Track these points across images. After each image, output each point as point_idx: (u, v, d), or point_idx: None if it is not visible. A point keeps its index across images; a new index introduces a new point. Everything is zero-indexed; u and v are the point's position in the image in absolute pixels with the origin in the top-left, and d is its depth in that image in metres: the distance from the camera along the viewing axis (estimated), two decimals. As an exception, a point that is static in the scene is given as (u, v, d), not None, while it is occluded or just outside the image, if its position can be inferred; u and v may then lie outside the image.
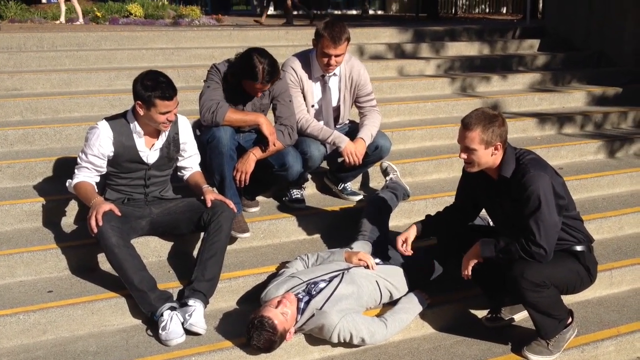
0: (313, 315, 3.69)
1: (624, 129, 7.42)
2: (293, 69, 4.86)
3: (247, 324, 3.59)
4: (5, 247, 4.23)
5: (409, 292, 4.11)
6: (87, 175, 4.11)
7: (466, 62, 8.66)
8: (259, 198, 5.07)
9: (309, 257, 4.22)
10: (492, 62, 8.83)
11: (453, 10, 22.50)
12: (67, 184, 4.20)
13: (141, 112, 4.00)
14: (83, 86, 6.68)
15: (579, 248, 3.75)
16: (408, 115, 7.01)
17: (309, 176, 5.28)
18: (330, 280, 3.87)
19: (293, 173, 4.61)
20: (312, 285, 3.83)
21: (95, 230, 3.81)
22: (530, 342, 3.82)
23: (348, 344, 3.77)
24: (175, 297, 3.97)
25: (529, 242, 3.51)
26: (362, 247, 4.28)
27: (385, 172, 5.35)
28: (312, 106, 4.97)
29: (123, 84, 6.71)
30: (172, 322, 3.69)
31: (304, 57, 4.94)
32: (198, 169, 4.46)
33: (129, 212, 4.12)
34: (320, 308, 3.69)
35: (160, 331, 3.69)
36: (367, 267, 4.05)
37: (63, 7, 13.59)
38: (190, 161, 4.42)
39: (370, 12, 24.50)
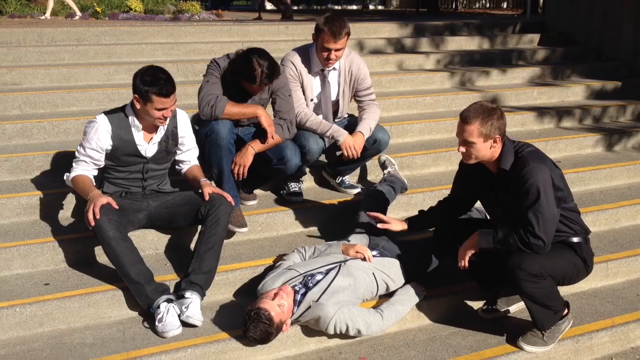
0: (309, 307, 3.70)
1: (623, 123, 7.43)
2: (292, 64, 4.87)
3: (244, 315, 3.60)
4: (3, 240, 4.24)
5: (405, 284, 4.12)
6: (85, 169, 4.12)
7: (466, 56, 8.65)
8: (257, 191, 5.08)
9: (306, 249, 4.24)
10: (492, 57, 8.83)
11: (453, 5, 22.45)
12: (64, 178, 4.21)
13: (138, 106, 4.01)
14: (82, 81, 6.69)
15: (575, 240, 3.76)
16: (407, 109, 7.01)
17: (307, 169, 5.29)
18: (327, 272, 3.88)
19: (291, 166, 4.62)
20: (309, 278, 3.85)
21: (93, 223, 3.82)
22: (526, 333, 3.84)
23: (344, 336, 3.78)
24: (172, 290, 3.99)
25: (527, 233, 3.52)
26: (359, 240, 4.29)
27: (383, 166, 5.36)
28: (311, 100, 4.98)
29: (122, 78, 6.71)
30: (168, 314, 3.70)
31: (304, 52, 4.95)
32: (196, 162, 4.48)
33: (127, 205, 4.14)
34: (317, 300, 3.71)
35: (156, 323, 3.70)
36: (364, 259, 4.06)
37: (50, 3, 13.55)
38: (188, 155, 4.43)
39: (371, 7, 24.45)
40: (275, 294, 3.67)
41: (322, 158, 5.25)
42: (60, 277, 4.09)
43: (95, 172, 4.17)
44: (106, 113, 4.16)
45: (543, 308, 3.69)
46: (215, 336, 3.68)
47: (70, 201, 4.63)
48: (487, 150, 3.64)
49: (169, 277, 4.09)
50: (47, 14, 13.40)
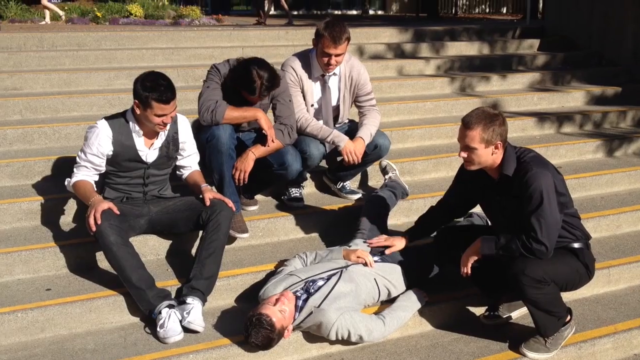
0: (311, 313, 3.70)
1: (623, 128, 7.43)
2: (293, 69, 4.87)
3: (245, 321, 3.59)
4: (4, 245, 4.24)
5: (407, 289, 4.11)
6: (86, 174, 4.12)
7: (466, 61, 8.66)
8: (258, 197, 5.07)
9: (307, 255, 4.23)
10: (492, 62, 8.83)
11: (453, 10, 22.50)
12: (65, 183, 4.21)
13: (138, 111, 4.02)
14: (83, 86, 6.68)
15: (576, 245, 3.76)
16: (407, 114, 7.01)
17: (308, 175, 5.29)
18: (329, 278, 3.88)
19: (292, 172, 4.61)
20: (311, 284, 3.84)
21: (94, 229, 3.81)
22: (528, 339, 3.83)
23: (346, 342, 3.77)
24: (173, 295, 3.98)
25: (530, 239, 3.52)
26: (360, 246, 4.29)
27: (384, 171, 5.36)
28: (312, 105, 4.98)
29: (122, 83, 6.72)
30: (170, 320, 3.69)
31: (304, 57, 4.95)
32: (197, 168, 4.47)
33: (128, 210, 4.13)
34: (319, 306, 3.70)
35: (158, 329, 3.70)
36: (365, 264, 4.05)
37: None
38: (189, 160, 4.43)
39: (371, 12, 24.50)
40: (277, 300, 3.66)
41: (323, 163, 5.25)
42: (62, 283, 4.09)
43: (97, 178, 4.17)
44: (107, 118, 4.16)
45: (546, 314, 3.68)
46: (217, 342, 3.68)
47: (71, 206, 4.62)
48: (488, 156, 3.64)
49: (170, 283, 4.09)
50: (47, 19, 13.41)
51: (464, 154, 3.67)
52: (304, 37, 8.64)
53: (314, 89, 4.96)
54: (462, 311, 4.23)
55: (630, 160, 6.61)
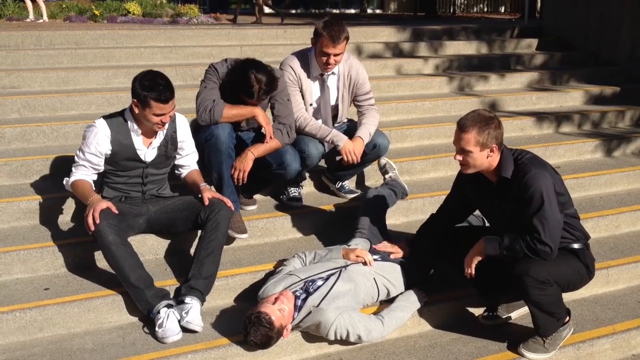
0: (310, 312, 3.69)
1: (622, 128, 7.44)
2: (292, 68, 4.86)
3: (244, 319, 3.59)
4: (2, 244, 4.23)
5: (406, 289, 4.11)
6: (84, 174, 4.11)
7: (464, 61, 8.67)
8: (257, 196, 5.07)
9: (306, 255, 4.23)
10: (490, 61, 8.84)
11: (451, 10, 22.48)
12: (64, 182, 4.21)
13: (136, 110, 4.01)
14: (81, 84, 6.68)
15: (577, 246, 3.76)
16: (406, 114, 7.01)
17: (307, 174, 5.29)
18: (328, 277, 3.87)
19: (291, 171, 4.61)
20: (310, 283, 3.84)
21: (93, 228, 3.81)
22: (527, 340, 3.83)
23: (345, 342, 3.77)
24: (172, 295, 3.98)
25: (534, 240, 3.52)
26: (359, 245, 4.29)
27: (383, 170, 5.35)
28: (311, 105, 4.97)
29: (121, 82, 6.71)
30: (168, 320, 3.68)
31: (303, 56, 4.94)
32: (196, 167, 4.47)
33: (126, 210, 4.13)
34: (317, 305, 3.70)
35: (156, 329, 3.69)
36: (364, 263, 4.05)
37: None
38: (188, 159, 4.43)
39: (369, 11, 24.49)
40: (276, 299, 3.66)
41: (322, 163, 5.25)
42: (60, 282, 4.08)
43: (95, 177, 4.16)
44: (105, 117, 4.15)
45: (547, 315, 3.68)
46: (216, 342, 3.67)
47: (69, 206, 4.61)
48: (483, 159, 3.63)
49: (168, 283, 4.08)
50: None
51: (460, 157, 3.67)
52: (302, 36, 8.64)
53: (312, 88, 4.95)
54: (461, 311, 4.23)
55: (629, 160, 6.62)
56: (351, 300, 3.80)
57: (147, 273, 3.87)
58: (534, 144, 6.44)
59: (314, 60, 4.86)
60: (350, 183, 5.40)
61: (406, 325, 4.00)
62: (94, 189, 4.10)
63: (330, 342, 3.80)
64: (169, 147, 4.26)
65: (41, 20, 13.21)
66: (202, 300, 3.90)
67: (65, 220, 4.61)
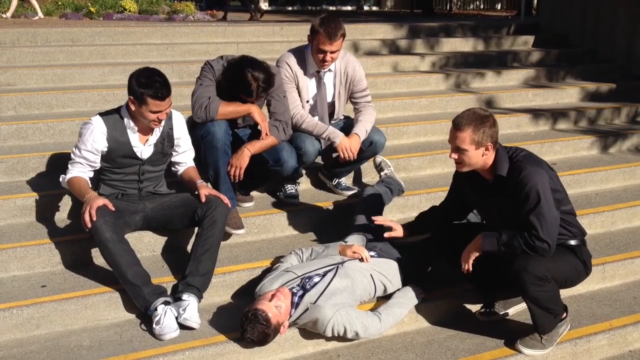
0: (307, 309, 3.70)
1: (617, 125, 7.45)
2: (288, 65, 4.86)
3: (241, 317, 3.59)
4: (-1, 242, 4.23)
5: (403, 286, 4.12)
6: (80, 171, 4.10)
7: (461, 58, 8.66)
8: (254, 193, 5.07)
9: (303, 251, 4.23)
10: (487, 58, 8.84)
11: (448, 7, 22.49)
12: (60, 179, 4.20)
13: (133, 107, 4.00)
14: (77, 81, 6.67)
15: (573, 242, 3.77)
16: (403, 111, 7.02)
17: (304, 171, 5.29)
18: (325, 274, 3.88)
19: (288, 168, 4.61)
20: (307, 280, 3.84)
21: (89, 225, 3.80)
22: (524, 336, 3.84)
23: (342, 338, 3.77)
24: (169, 292, 3.97)
25: (532, 237, 3.52)
26: (356, 241, 4.29)
27: (379, 168, 5.35)
28: (307, 102, 4.97)
29: (117, 79, 6.69)
30: (166, 317, 3.68)
31: (299, 53, 4.93)
32: (192, 164, 4.46)
33: (123, 207, 4.12)
34: (314, 302, 3.70)
35: (154, 325, 3.69)
36: (361, 260, 4.05)
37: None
38: (184, 156, 4.42)
39: (365, 8, 24.46)
40: (273, 296, 3.67)
41: (319, 160, 5.25)
42: (57, 279, 4.08)
43: (91, 174, 4.16)
44: (101, 114, 4.14)
45: (545, 312, 3.69)
46: (213, 339, 3.67)
47: (66, 203, 4.60)
48: (479, 157, 3.64)
49: (166, 279, 4.08)
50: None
51: (455, 156, 3.68)
52: (298, 33, 8.62)
53: (309, 85, 4.95)
54: (458, 308, 4.24)
55: (625, 157, 6.63)
56: (348, 296, 3.81)
57: (144, 270, 3.87)
58: (530, 141, 6.45)
59: (311, 57, 4.86)
60: (347, 180, 5.40)
61: (403, 322, 4.01)
62: (91, 186, 4.10)
63: (328, 339, 3.81)
64: (166, 144, 4.26)
65: (36, 17, 13.16)
66: (200, 297, 3.90)
67: (61, 217, 4.60)
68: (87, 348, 3.61)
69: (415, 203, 5.23)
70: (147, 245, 4.41)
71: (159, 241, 4.45)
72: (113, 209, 3.92)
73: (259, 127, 4.55)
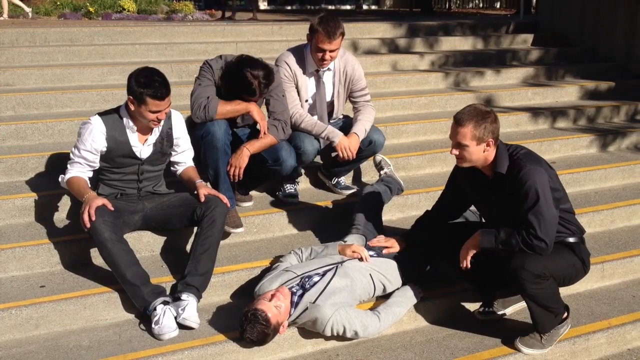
0: (307, 308, 3.70)
1: (617, 123, 7.45)
2: (287, 64, 4.85)
3: (240, 317, 3.59)
4: (-2, 242, 4.23)
5: (402, 285, 4.12)
6: (79, 171, 4.10)
7: (460, 56, 8.66)
8: (253, 193, 5.07)
9: (302, 251, 4.23)
10: (486, 57, 8.84)
11: (447, 5, 22.48)
12: (59, 179, 4.19)
13: (132, 107, 4.00)
14: (76, 81, 6.66)
15: (572, 240, 3.77)
16: (402, 109, 7.01)
17: (303, 171, 5.29)
18: (324, 273, 3.88)
19: (287, 168, 4.61)
20: (306, 279, 3.84)
21: (88, 225, 3.80)
22: (524, 335, 3.84)
23: (341, 337, 3.77)
24: (168, 292, 3.97)
25: (530, 235, 3.52)
26: (355, 241, 4.29)
27: (379, 166, 5.36)
28: (306, 101, 4.96)
29: (116, 79, 6.69)
30: (165, 317, 3.68)
31: (298, 52, 4.93)
32: (191, 163, 4.46)
33: (122, 207, 4.12)
34: (314, 302, 3.70)
35: (153, 325, 3.69)
36: (360, 259, 4.05)
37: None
38: (183, 156, 4.42)
39: (364, 7, 24.47)
40: (272, 295, 3.66)
41: (318, 159, 5.25)
42: (56, 279, 4.08)
43: (90, 174, 4.15)
44: (100, 114, 4.14)
45: (544, 310, 3.68)
46: (212, 338, 3.67)
47: (65, 203, 4.60)
48: (480, 153, 3.64)
49: (165, 279, 4.08)
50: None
51: (456, 152, 3.67)
52: (297, 32, 8.63)
53: (308, 85, 4.94)
54: (457, 307, 4.24)
55: (624, 155, 6.63)
56: (347, 296, 3.81)
57: (143, 270, 3.87)
58: (530, 139, 6.45)
59: (310, 56, 4.85)
60: (346, 179, 5.40)
61: (402, 321, 4.01)
62: (90, 186, 4.10)
63: (327, 338, 3.81)
64: (165, 143, 4.26)
65: (29, 13, 13.13)
66: (199, 297, 3.90)
67: (60, 217, 4.60)
68: (86, 348, 3.61)
69: (414, 202, 5.23)
70: (146, 245, 4.41)
71: (158, 241, 4.45)
72: (112, 208, 3.92)
73: (258, 127, 4.54)
